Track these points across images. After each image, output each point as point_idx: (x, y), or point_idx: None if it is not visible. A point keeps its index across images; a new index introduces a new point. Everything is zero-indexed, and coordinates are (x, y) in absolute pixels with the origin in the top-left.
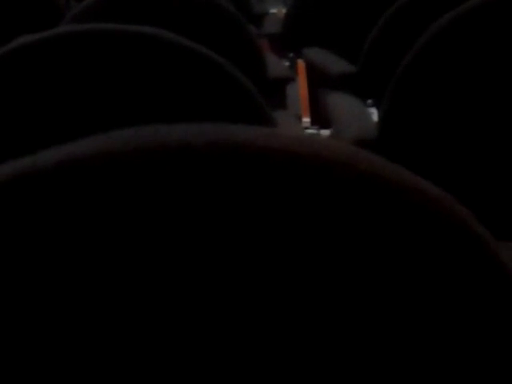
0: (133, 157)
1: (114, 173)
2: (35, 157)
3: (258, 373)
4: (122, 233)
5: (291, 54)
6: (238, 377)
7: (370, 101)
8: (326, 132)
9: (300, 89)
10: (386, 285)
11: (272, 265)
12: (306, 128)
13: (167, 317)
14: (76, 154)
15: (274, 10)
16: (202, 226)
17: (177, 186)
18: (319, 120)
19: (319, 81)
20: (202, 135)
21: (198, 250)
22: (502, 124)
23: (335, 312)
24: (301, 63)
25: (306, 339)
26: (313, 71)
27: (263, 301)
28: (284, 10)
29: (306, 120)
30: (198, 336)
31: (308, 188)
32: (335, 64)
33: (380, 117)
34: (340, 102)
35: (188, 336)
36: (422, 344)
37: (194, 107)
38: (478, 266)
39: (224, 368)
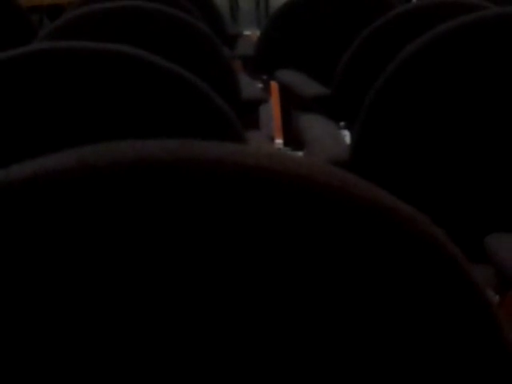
0: (107, 171)
1: (88, 186)
2: (8, 169)
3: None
4: (90, 246)
5: (264, 76)
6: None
7: (342, 123)
8: (298, 153)
9: (273, 110)
10: (357, 302)
11: (245, 279)
12: (279, 149)
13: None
14: (48, 167)
15: (247, 32)
16: (173, 241)
17: (149, 201)
18: (292, 141)
19: (292, 102)
20: (176, 151)
21: (169, 266)
22: (474, 147)
23: (313, 323)
24: (274, 85)
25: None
26: (286, 93)
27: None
28: (257, 32)
29: (279, 141)
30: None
31: (281, 205)
32: (308, 86)
33: (353, 139)
34: (313, 124)
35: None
36: (396, 360)
37: (168, 126)
38: (450, 285)
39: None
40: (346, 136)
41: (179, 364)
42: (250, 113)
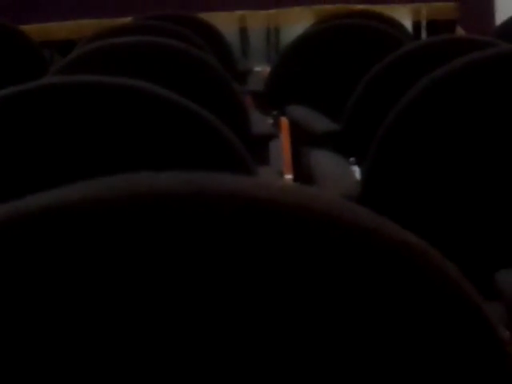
0: (121, 203)
1: (102, 219)
2: (20, 201)
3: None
4: (104, 277)
5: (275, 112)
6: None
7: (352, 159)
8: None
9: (283, 146)
10: (371, 342)
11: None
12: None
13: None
14: (63, 199)
15: (258, 68)
16: (187, 273)
17: (164, 233)
18: (302, 177)
19: (302, 138)
20: (190, 184)
21: (181, 304)
22: (485, 184)
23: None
24: (284, 120)
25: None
26: (296, 129)
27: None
28: (268, 68)
29: (289, 177)
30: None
31: (294, 238)
32: (318, 122)
33: (363, 174)
34: (323, 160)
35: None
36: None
37: (180, 161)
38: (463, 321)
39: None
40: (356, 172)
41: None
42: (260, 148)
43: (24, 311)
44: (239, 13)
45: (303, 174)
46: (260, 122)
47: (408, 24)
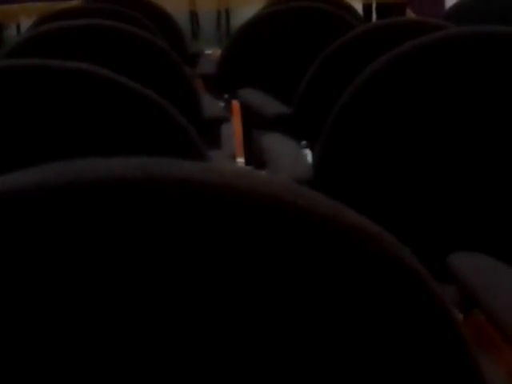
0: (67, 190)
1: (50, 206)
2: None
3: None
4: (55, 267)
5: (226, 95)
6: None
7: (304, 142)
8: (261, 172)
9: (235, 129)
10: (321, 321)
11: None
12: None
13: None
14: (7, 185)
15: (208, 51)
16: (137, 260)
17: (113, 219)
18: (254, 161)
19: (254, 121)
20: (140, 169)
21: (132, 287)
22: (436, 165)
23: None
24: (236, 104)
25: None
26: (248, 112)
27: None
28: (219, 51)
29: (241, 160)
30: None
31: (246, 223)
32: (270, 105)
33: (315, 158)
34: (275, 143)
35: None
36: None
37: (130, 144)
38: (417, 303)
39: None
40: (308, 155)
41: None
42: (211, 132)
43: None
44: None
45: (255, 157)
46: (211, 106)
47: (359, 7)
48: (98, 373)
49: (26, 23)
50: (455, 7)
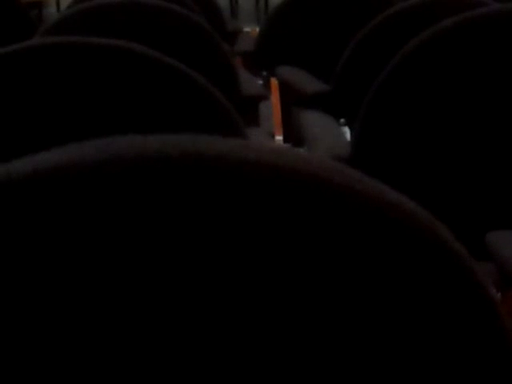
0: (110, 166)
1: (91, 182)
2: (9, 165)
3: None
4: (98, 242)
5: (264, 73)
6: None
7: (342, 120)
8: (299, 150)
9: (273, 107)
10: (360, 300)
11: (251, 274)
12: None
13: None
14: (52, 162)
15: (247, 29)
16: (179, 236)
17: (154, 196)
18: (292, 138)
19: (292, 99)
20: (179, 146)
21: (171, 264)
22: (476, 144)
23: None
24: (274, 81)
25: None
26: (286, 89)
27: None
28: (257, 29)
29: (279, 138)
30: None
31: (284, 200)
32: (308, 83)
33: (353, 136)
34: (313, 121)
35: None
36: (400, 359)
37: (169, 122)
38: (454, 281)
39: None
40: (346, 133)
41: (179, 364)
42: (249, 109)
43: (10, 280)
44: None
45: (293, 135)
46: (250, 83)
47: None
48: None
49: (65, 1)
50: None
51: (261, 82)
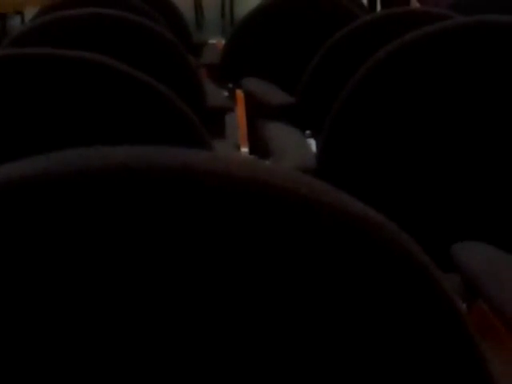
0: (72, 178)
1: (55, 194)
2: None
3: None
4: (60, 254)
5: (230, 85)
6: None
7: (308, 132)
8: (265, 162)
9: (239, 119)
10: (323, 311)
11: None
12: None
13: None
14: (12, 174)
15: (213, 40)
16: (139, 247)
17: (119, 208)
18: (258, 150)
19: (258, 111)
20: (144, 157)
21: (135, 274)
22: (440, 155)
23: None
24: (240, 93)
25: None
26: (252, 101)
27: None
28: (223, 41)
29: (245, 150)
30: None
31: (251, 212)
32: (274, 94)
33: (319, 147)
34: (279, 133)
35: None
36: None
37: (133, 133)
38: (420, 293)
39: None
40: (312, 145)
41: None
42: (215, 121)
43: None
44: None
45: (259, 147)
46: (215, 95)
47: None
48: (97, 370)
49: (29, 13)
50: None
51: (226, 93)
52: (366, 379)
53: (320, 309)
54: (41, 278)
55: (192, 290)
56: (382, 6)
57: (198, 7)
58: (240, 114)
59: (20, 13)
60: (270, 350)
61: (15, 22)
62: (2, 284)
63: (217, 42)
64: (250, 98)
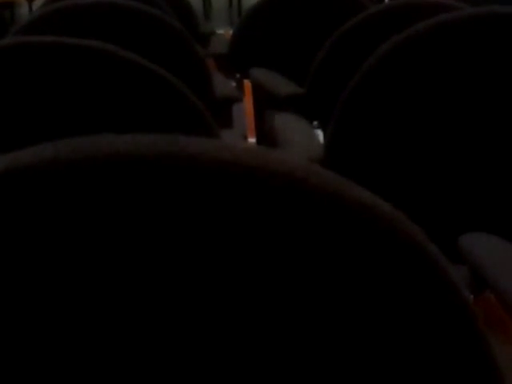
0: (81, 165)
1: (63, 182)
2: None
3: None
4: (68, 242)
5: (238, 75)
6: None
7: (315, 122)
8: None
9: (246, 109)
10: (334, 300)
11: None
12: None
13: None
14: (24, 161)
15: (220, 31)
16: (151, 236)
17: (127, 196)
18: (265, 140)
19: (265, 101)
20: (153, 146)
21: (147, 263)
22: (449, 145)
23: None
24: (247, 83)
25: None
26: (259, 92)
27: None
28: (231, 31)
29: (252, 140)
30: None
31: (260, 200)
32: (282, 85)
33: (326, 138)
34: (286, 123)
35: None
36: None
37: (142, 122)
38: (428, 283)
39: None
40: (320, 135)
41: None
42: (223, 111)
43: None
44: None
45: (267, 137)
46: (223, 85)
47: None
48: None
49: (37, 1)
50: None
51: (234, 84)
52: (373, 369)
53: (329, 297)
54: (48, 267)
55: (199, 277)
56: None
57: None
58: (248, 105)
59: (28, 1)
60: (274, 340)
61: (24, 11)
62: (8, 270)
63: (225, 32)
64: (257, 88)
